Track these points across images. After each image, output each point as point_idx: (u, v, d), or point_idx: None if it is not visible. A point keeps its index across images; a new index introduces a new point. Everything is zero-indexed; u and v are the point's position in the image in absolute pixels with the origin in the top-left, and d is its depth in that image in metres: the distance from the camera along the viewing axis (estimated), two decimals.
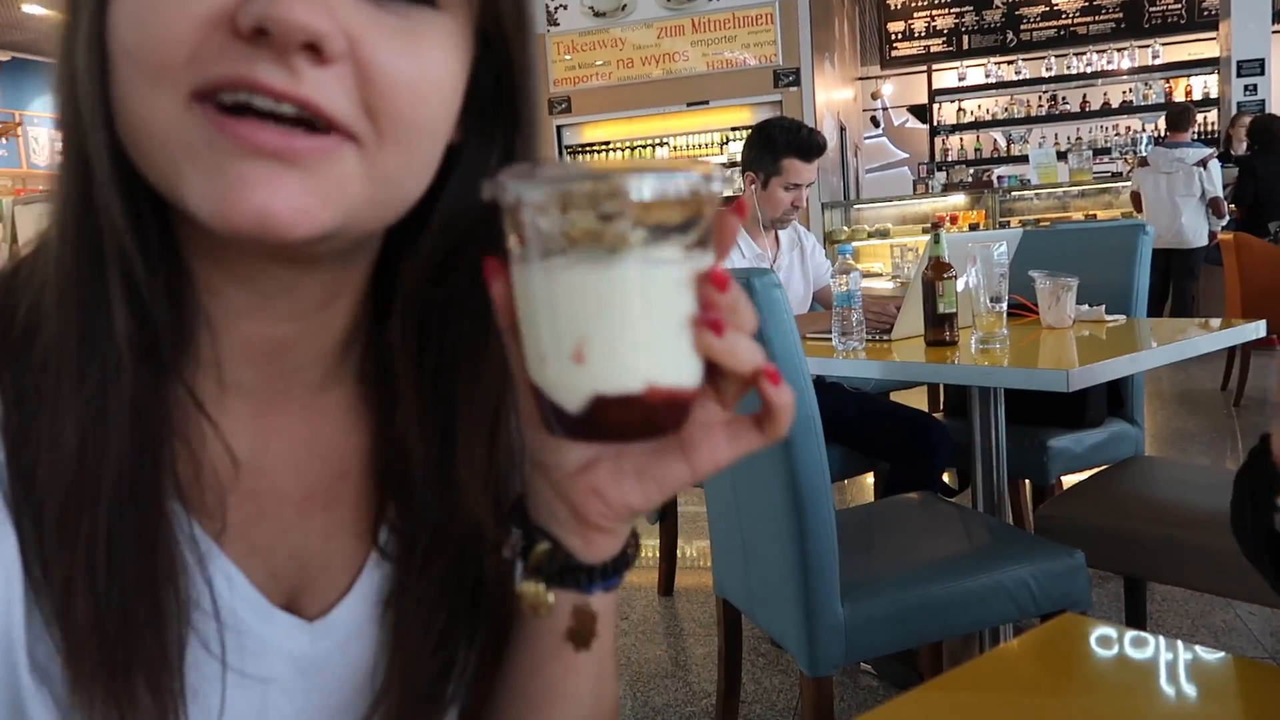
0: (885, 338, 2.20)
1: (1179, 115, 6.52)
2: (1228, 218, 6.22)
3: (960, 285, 2.02)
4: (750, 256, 2.69)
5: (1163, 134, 7.22)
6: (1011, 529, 1.83)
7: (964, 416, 2.35)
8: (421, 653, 0.50)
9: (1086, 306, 2.28)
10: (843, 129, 9.13)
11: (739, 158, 2.86)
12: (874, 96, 11.05)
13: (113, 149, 0.41)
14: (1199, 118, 9.65)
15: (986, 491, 2.11)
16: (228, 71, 0.38)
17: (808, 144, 2.63)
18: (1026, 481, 2.72)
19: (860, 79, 10.97)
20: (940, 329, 2.02)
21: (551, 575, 0.45)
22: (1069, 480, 2.62)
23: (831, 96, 8.47)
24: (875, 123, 11.25)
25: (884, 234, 7.72)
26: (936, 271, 2.00)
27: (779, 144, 2.63)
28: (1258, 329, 2.10)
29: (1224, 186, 6.31)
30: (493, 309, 0.41)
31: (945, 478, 2.71)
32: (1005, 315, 1.94)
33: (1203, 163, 6.15)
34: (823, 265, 2.93)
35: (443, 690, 0.51)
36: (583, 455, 0.43)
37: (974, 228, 7.94)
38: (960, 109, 10.58)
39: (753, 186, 2.70)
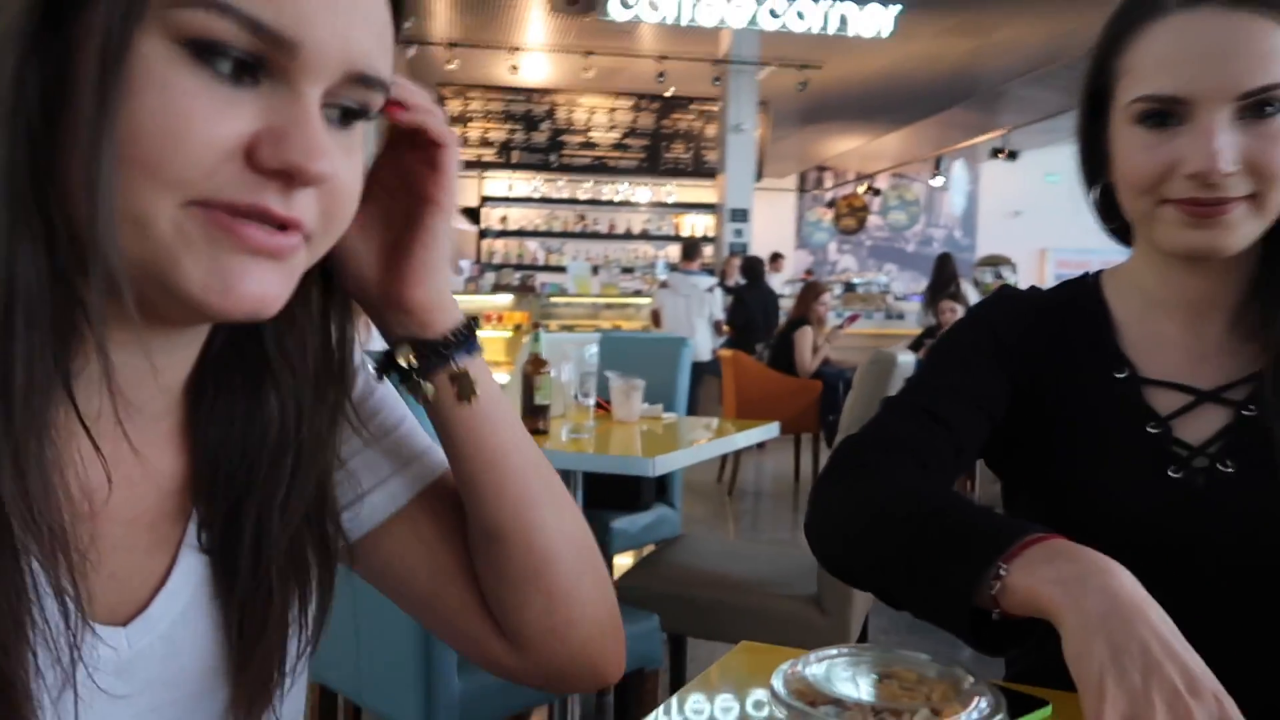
0: None
1: (692, 248, 7.76)
2: (725, 337, 7.45)
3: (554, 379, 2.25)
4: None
5: (677, 262, 8.47)
6: None
7: None
8: (256, 635, 0.55)
9: (646, 405, 2.65)
10: None
11: None
12: None
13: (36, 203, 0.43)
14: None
15: None
16: (243, 199, 0.44)
17: None
18: None
19: None
20: (535, 418, 2.22)
21: (422, 367, 0.58)
22: (619, 559, 2.96)
23: None
24: None
25: None
26: (535, 366, 2.21)
27: None
28: (772, 430, 2.61)
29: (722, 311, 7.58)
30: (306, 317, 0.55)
31: None
32: (591, 409, 2.20)
33: (710, 290, 7.34)
34: None
35: (282, 663, 0.56)
36: (370, 259, 0.58)
37: (518, 328, 8.55)
38: (505, 216, 11.38)
39: None
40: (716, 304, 7.34)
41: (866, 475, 0.81)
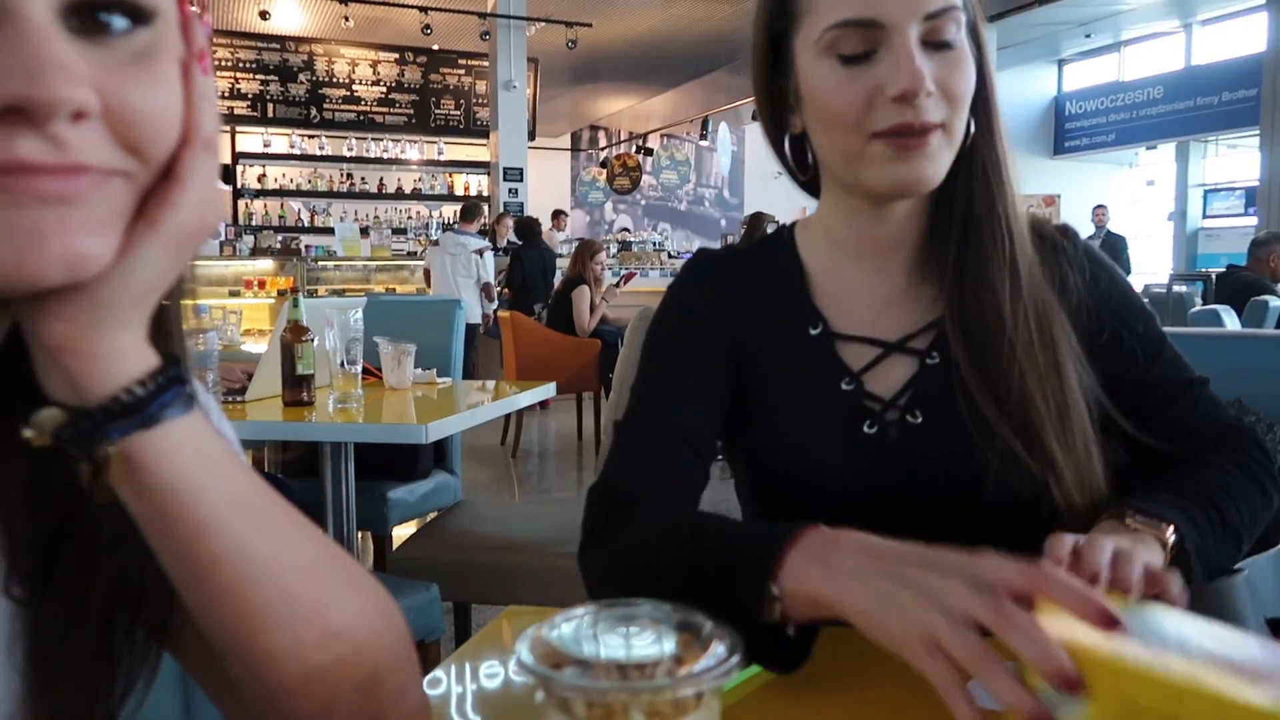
0: (239, 399, 2.19)
1: (470, 209, 7.58)
2: (496, 301, 7.35)
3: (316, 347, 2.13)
4: None
5: (453, 221, 8.26)
6: (372, 573, 1.97)
7: (307, 476, 2.44)
8: (67, 679, 0.47)
9: (420, 370, 2.56)
10: None
11: None
12: None
13: None
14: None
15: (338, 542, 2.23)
16: None
17: None
18: (365, 533, 2.90)
19: None
20: (298, 389, 2.09)
21: (76, 441, 0.41)
22: (400, 529, 2.88)
23: None
24: None
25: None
26: (295, 334, 2.07)
27: None
28: (549, 390, 2.60)
29: (496, 274, 7.46)
30: None
31: None
32: (360, 377, 2.10)
33: (479, 252, 7.21)
34: None
35: (102, 702, 0.49)
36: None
37: (282, 294, 8.05)
38: (264, 174, 10.65)
39: None
40: (486, 266, 7.24)
41: (624, 525, 0.78)
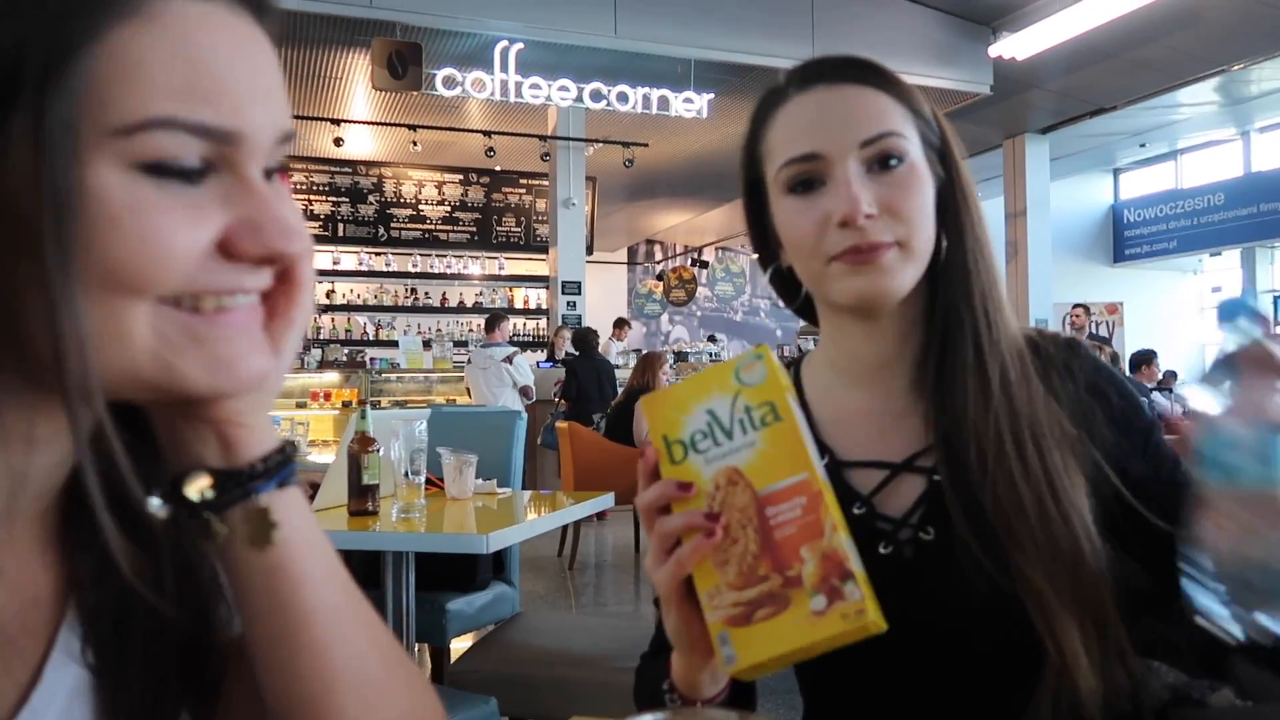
0: None
1: (492, 320, 7.83)
2: (532, 400, 7.43)
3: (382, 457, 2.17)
4: None
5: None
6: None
7: (370, 585, 2.45)
8: None
9: (480, 480, 2.59)
10: None
11: None
12: None
13: None
14: (533, 323, 11.49)
15: None
16: (223, 285, 0.45)
17: None
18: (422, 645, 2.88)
19: None
20: (364, 499, 2.12)
21: (217, 500, 0.48)
22: (457, 642, 2.85)
23: None
24: None
25: None
26: (361, 445, 2.12)
27: None
28: (608, 500, 2.60)
29: (554, 384, 7.57)
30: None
31: None
32: (423, 487, 2.13)
33: (508, 359, 7.36)
34: None
35: None
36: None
37: (347, 405, 8.24)
38: (332, 290, 11.04)
39: None
40: (519, 371, 7.38)
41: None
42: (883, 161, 0.81)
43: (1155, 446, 0.86)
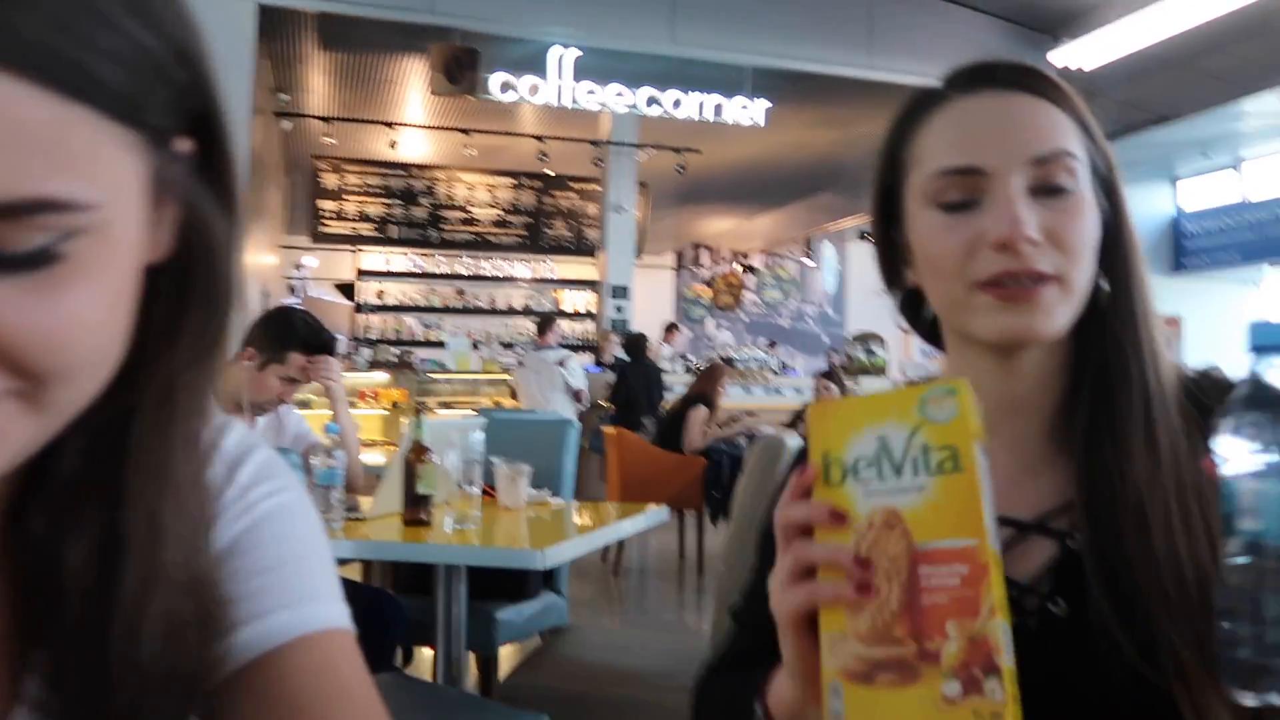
0: (359, 515, 2.24)
1: (543, 323, 7.81)
2: (586, 404, 7.42)
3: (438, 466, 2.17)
4: None
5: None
6: (483, 701, 1.96)
7: (420, 593, 2.46)
8: None
9: (533, 490, 2.59)
10: (266, 295, 9.01)
11: None
12: (296, 266, 11.11)
13: None
14: (580, 327, 11.51)
15: (447, 665, 2.22)
16: None
17: (319, 342, 2.60)
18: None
19: (285, 247, 11.01)
20: (417, 509, 2.13)
21: None
22: (505, 649, 2.85)
23: (255, 260, 8.37)
24: (293, 291, 11.25)
25: (306, 405, 7.66)
26: (417, 454, 2.13)
27: (295, 336, 2.55)
28: (662, 514, 2.58)
29: (605, 387, 7.56)
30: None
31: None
32: (478, 498, 2.13)
33: (561, 362, 7.35)
34: (305, 436, 2.82)
35: None
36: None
37: (395, 405, 8.32)
38: (383, 291, 11.17)
39: (249, 364, 2.57)
40: (573, 374, 7.36)
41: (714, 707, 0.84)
42: (1051, 185, 0.73)
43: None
